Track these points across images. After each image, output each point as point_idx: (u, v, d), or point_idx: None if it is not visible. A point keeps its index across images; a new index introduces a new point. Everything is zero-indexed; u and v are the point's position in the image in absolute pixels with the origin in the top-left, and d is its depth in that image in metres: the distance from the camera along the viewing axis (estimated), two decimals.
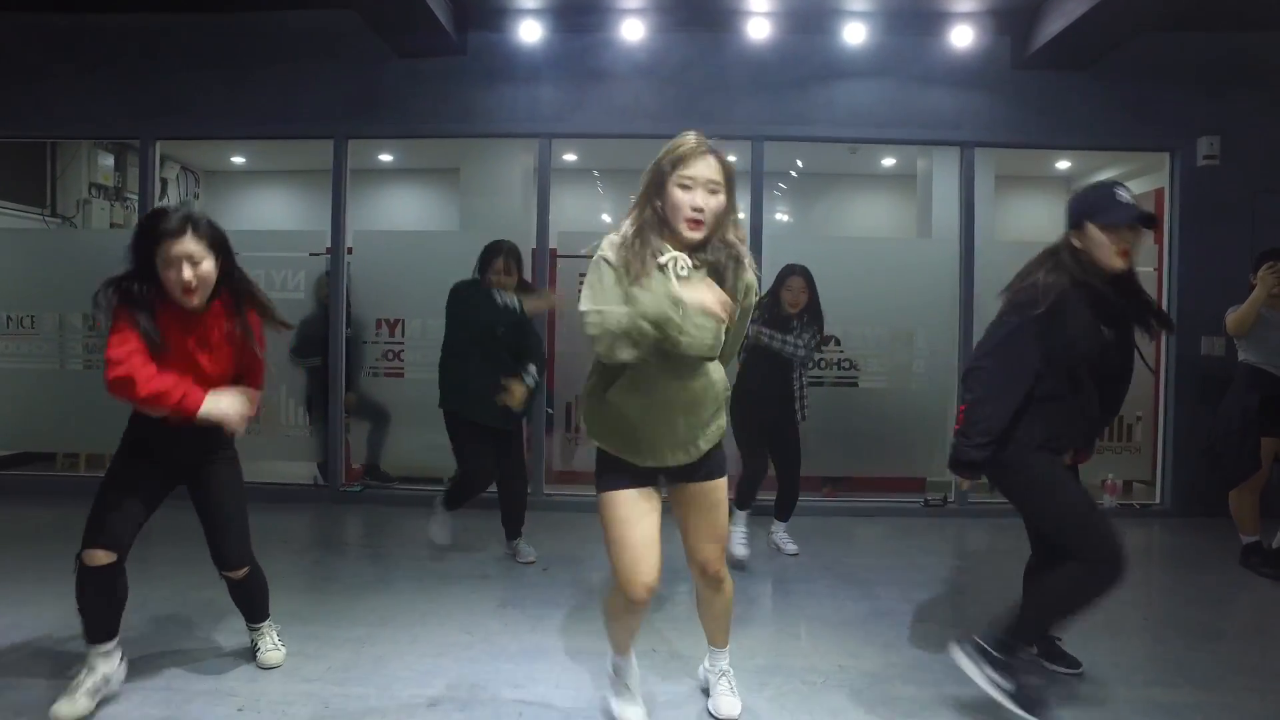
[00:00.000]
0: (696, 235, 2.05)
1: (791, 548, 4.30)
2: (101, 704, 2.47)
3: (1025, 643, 2.46)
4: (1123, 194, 2.42)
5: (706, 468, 2.24)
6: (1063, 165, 7.92)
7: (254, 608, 2.82)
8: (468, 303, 3.83)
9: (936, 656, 2.91)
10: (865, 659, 2.96)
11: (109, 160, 7.50)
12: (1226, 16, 4.90)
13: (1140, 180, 6.68)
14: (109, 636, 2.48)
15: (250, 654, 2.85)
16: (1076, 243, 2.46)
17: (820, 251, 5.70)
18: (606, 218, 8.31)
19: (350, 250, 5.54)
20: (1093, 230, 2.42)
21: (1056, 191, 8.44)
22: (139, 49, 5.45)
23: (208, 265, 2.37)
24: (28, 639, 2.99)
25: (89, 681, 2.42)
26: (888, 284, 5.38)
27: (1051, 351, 2.39)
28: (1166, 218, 5.38)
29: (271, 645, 2.81)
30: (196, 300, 2.37)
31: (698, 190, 2.02)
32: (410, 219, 7.96)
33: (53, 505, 4.90)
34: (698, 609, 2.47)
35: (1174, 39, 5.08)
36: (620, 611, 2.28)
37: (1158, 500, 5.42)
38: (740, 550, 4.04)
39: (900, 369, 5.52)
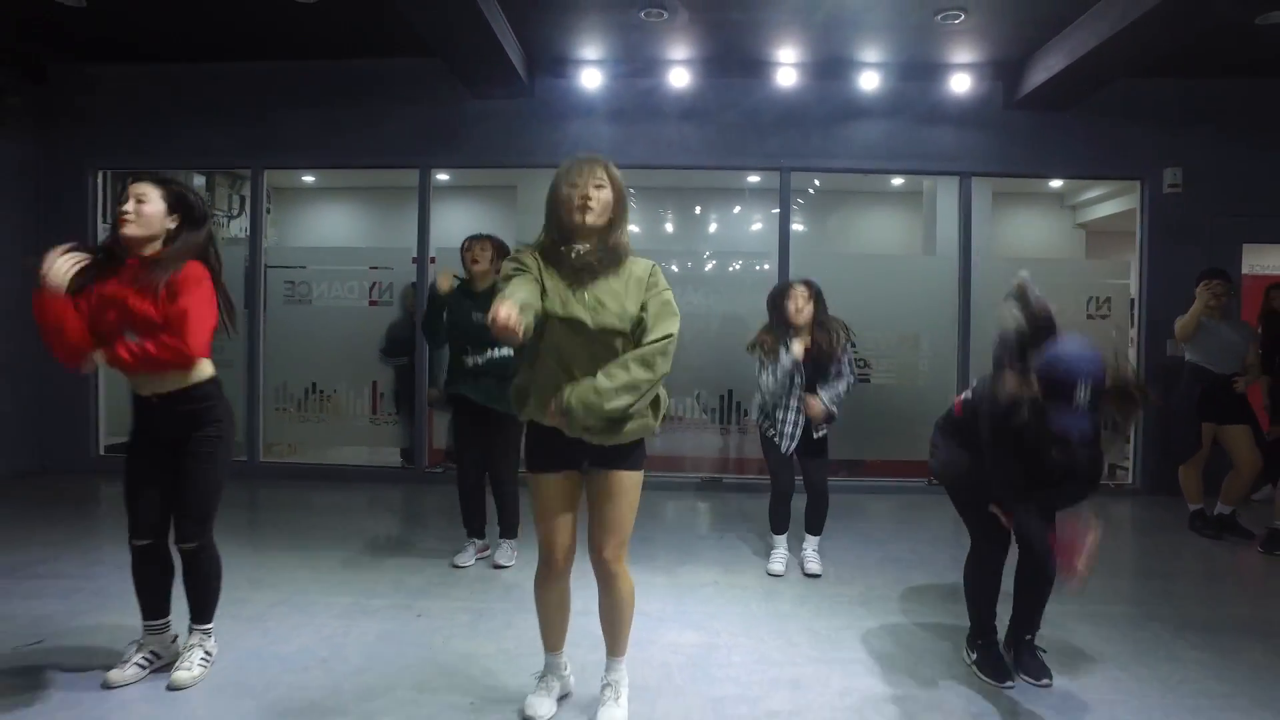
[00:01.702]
0: (586, 219, 2.30)
1: (815, 567, 4.06)
2: (283, 625, 3.39)
3: (979, 634, 2.94)
4: (1080, 392, 2.37)
5: (619, 459, 2.37)
6: (1056, 183, 8.80)
7: (197, 601, 2.81)
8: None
9: (937, 585, 3.81)
10: (881, 587, 3.87)
11: (200, 181, 8.42)
12: (1188, 65, 5.74)
13: (1117, 201, 7.56)
14: (154, 615, 2.80)
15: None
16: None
17: (838, 266, 6.61)
18: (635, 229, 9.20)
19: (433, 261, 6.43)
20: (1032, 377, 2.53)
21: (1049, 206, 9.36)
22: (250, 91, 6.38)
23: (150, 208, 2.59)
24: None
25: (138, 655, 2.75)
26: (897, 295, 6.26)
27: None
28: (1138, 238, 6.25)
29: (186, 665, 2.73)
30: (130, 230, 2.57)
31: (586, 185, 2.31)
32: (470, 233, 8.84)
33: None
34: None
35: (1143, 84, 5.95)
36: (539, 583, 2.50)
37: (1130, 481, 6.28)
38: (776, 567, 4.07)
39: (907, 368, 6.38)
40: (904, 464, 6.52)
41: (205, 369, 2.72)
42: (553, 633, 2.58)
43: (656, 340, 2.30)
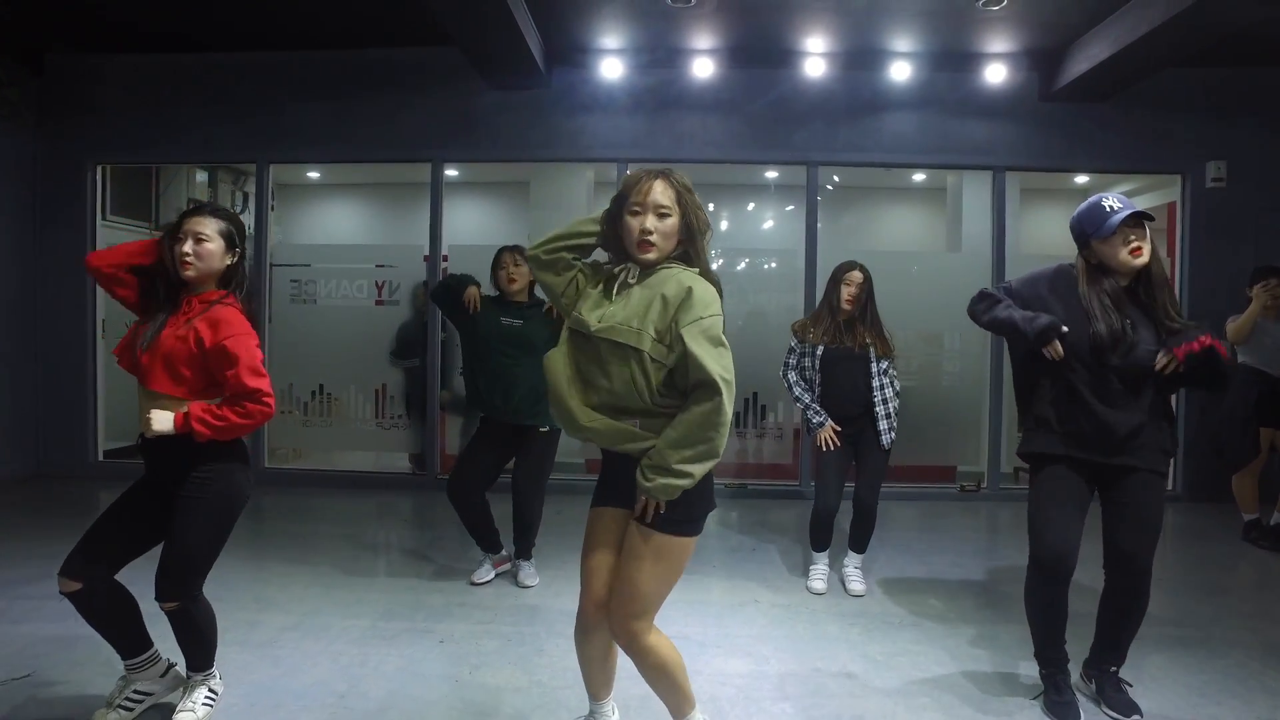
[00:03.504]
0: (649, 256, 2.06)
1: (858, 586, 3.82)
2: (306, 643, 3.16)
3: (1044, 659, 2.66)
4: (1109, 203, 2.50)
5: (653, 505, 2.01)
6: (1082, 180, 8.52)
7: (189, 653, 2.49)
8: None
9: (989, 603, 3.58)
10: (930, 607, 3.63)
11: (204, 177, 8.18)
12: (1233, 53, 5.49)
13: (1151, 195, 7.31)
14: (129, 654, 2.49)
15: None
16: (1090, 260, 2.57)
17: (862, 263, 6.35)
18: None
19: (446, 260, 6.18)
20: (1097, 246, 2.52)
21: (1077, 203, 9.06)
22: (256, 83, 6.13)
23: (212, 246, 2.41)
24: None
25: (122, 695, 2.49)
26: (921, 293, 6.01)
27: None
28: (1178, 234, 6.01)
29: (189, 706, 2.47)
30: (191, 274, 2.39)
31: (647, 215, 2.05)
32: (480, 231, 8.62)
33: None
34: None
35: (1186, 73, 5.69)
36: (576, 631, 2.22)
37: (1171, 487, 6.04)
38: (817, 584, 3.86)
39: (930, 368, 6.13)
40: (929, 469, 6.28)
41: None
42: (593, 683, 2.31)
43: (692, 413, 1.94)
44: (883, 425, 3.82)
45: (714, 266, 2.19)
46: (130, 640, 2.47)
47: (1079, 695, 2.65)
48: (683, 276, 2.03)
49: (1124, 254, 2.47)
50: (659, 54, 5.79)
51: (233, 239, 2.45)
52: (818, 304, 4.15)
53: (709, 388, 1.92)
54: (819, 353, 3.88)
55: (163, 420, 2.30)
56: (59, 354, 6.20)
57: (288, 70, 6.10)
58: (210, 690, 2.54)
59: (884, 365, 3.88)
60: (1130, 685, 2.67)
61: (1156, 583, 3.99)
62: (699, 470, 1.96)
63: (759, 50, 5.74)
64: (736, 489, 5.98)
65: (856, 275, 3.91)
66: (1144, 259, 2.48)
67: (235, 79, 6.13)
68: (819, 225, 6.12)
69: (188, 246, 2.37)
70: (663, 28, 5.44)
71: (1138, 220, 2.47)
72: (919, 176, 8.46)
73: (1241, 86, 5.82)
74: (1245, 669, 2.98)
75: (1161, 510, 2.57)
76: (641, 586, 2.03)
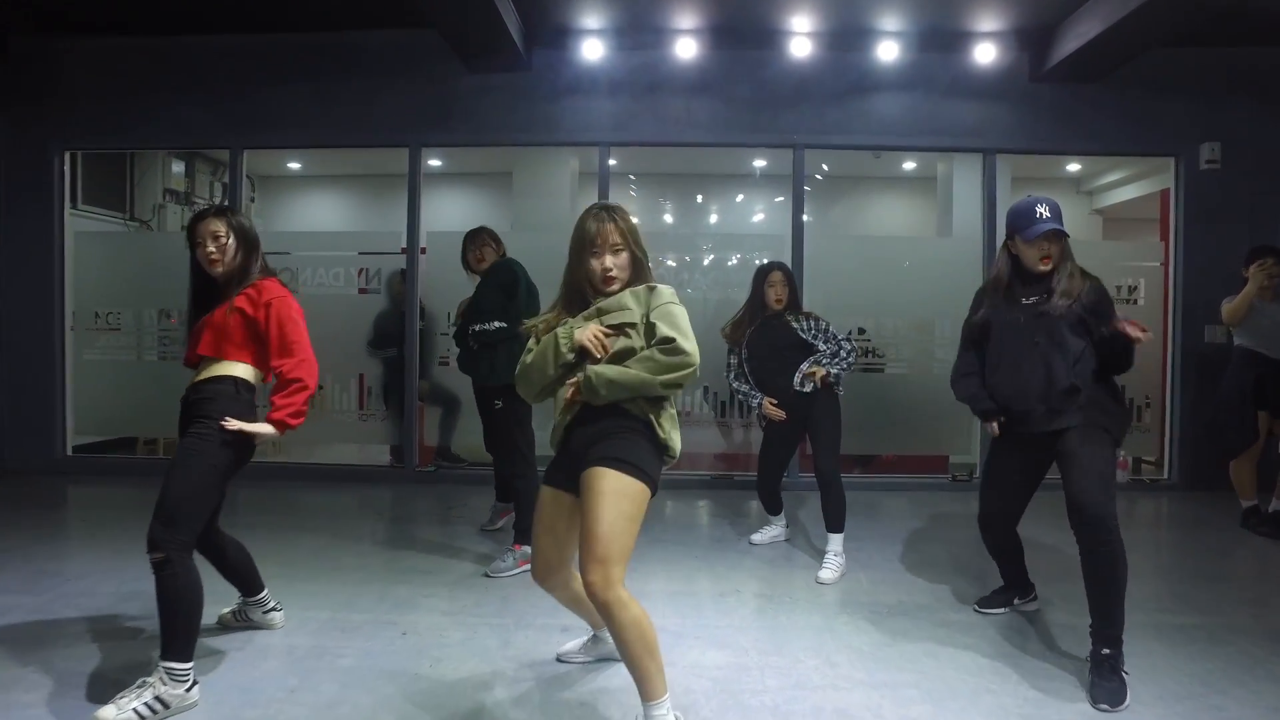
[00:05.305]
0: (615, 288, 2.33)
1: (825, 574, 3.70)
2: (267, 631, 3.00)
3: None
4: (1040, 210, 2.78)
5: (596, 450, 2.21)
6: (1073, 168, 8.44)
7: (161, 630, 2.40)
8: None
9: (979, 591, 3.43)
10: (919, 595, 3.49)
11: (180, 167, 8.01)
12: (1227, 33, 5.38)
13: (1136, 185, 7.19)
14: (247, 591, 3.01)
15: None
16: (1012, 250, 2.91)
17: (850, 249, 6.22)
18: (635, 219, 8.79)
19: (424, 251, 6.02)
20: (1020, 243, 2.85)
21: (1066, 191, 8.97)
22: (230, 67, 5.95)
23: (230, 241, 2.64)
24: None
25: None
26: (912, 279, 5.88)
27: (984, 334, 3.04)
28: (1172, 218, 5.88)
29: (117, 701, 2.31)
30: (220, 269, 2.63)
31: (605, 254, 2.30)
32: (464, 221, 8.43)
33: (137, 485, 5.48)
34: None
35: (1179, 54, 5.57)
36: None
37: (1166, 476, 5.91)
38: (753, 536, 4.32)
39: (922, 355, 5.99)
40: (920, 459, 6.15)
41: (232, 368, 2.63)
42: (584, 618, 2.68)
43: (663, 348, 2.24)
44: (803, 367, 3.93)
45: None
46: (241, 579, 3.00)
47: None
48: (641, 287, 2.34)
49: (1037, 260, 2.84)
50: (642, 35, 5.64)
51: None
52: (744, 304, 4.27)
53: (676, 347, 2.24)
54: (744, 344, 4.09)
55: (264, 429, 2.58)
56: (26, 346, 6.02)
57: (262, 54, 5.93)
58: (157, 700, 2.32)
59: (811, 326, 4.02)
60: (1127, 673, 2.53)
61: (1155, 570, 3.89)
62: (619, 379, 2.20)
63: (743, 30, 5.59)
64: (721, 479, 5.84)
65: (778, 276, 4.09)
66: (1049, 268, 2.84)
67: (208, 62, 5.95)
68: (810, 216, 5.98)
69: (211, 246, 2.64)
70: (644, 7, 5.29)
71: (1056, 235, 2.80)
72: (909, 164, 8.35)
73: (1235, 67, 5.70)
74: (1250, 656, 2.84)
75: (1107, 461, 2.71)
76: (601, 525, 2.10)
